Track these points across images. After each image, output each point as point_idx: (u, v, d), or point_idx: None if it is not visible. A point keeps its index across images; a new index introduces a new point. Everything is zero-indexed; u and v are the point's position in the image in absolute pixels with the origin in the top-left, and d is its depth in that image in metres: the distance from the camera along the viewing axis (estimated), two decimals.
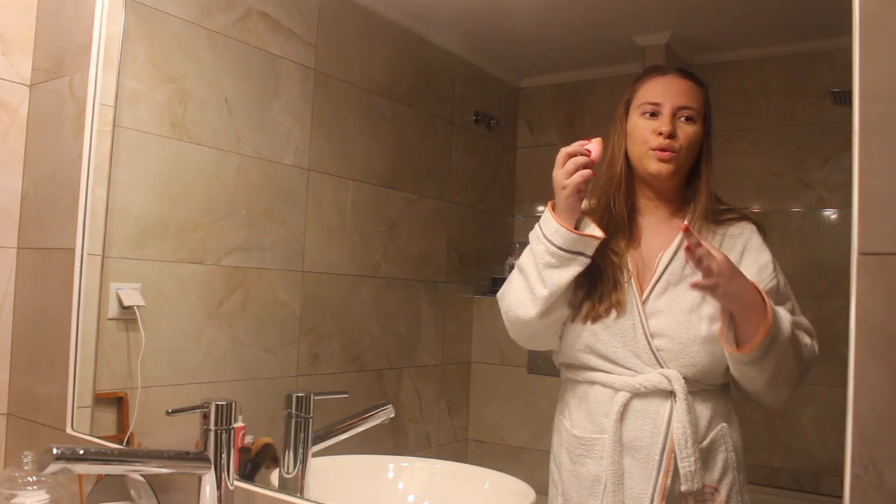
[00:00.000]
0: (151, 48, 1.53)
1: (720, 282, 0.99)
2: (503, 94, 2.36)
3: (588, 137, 1.12)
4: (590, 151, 1.10)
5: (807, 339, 1.10)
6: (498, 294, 1.26)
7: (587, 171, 1.09)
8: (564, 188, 1.10)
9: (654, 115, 1.17)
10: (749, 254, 1.14)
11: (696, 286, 1.02)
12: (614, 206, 1.20)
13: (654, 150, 1.15)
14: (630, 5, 1.85)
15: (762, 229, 1.17)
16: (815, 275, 1.52)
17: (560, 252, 1.11)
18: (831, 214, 1.75)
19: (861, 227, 0.69)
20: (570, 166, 1.09)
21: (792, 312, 1.12)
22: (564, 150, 1.10)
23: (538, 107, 2.32)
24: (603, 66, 2.13)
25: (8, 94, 1.57)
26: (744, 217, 1.18)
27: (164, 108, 1.54)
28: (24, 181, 1.59)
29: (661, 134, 1.14)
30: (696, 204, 1.17)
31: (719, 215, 1.18)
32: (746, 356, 1.03)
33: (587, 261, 1.12)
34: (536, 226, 1.16)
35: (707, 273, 0.99)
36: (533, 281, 1.14)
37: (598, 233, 1.11)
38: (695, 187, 1.18)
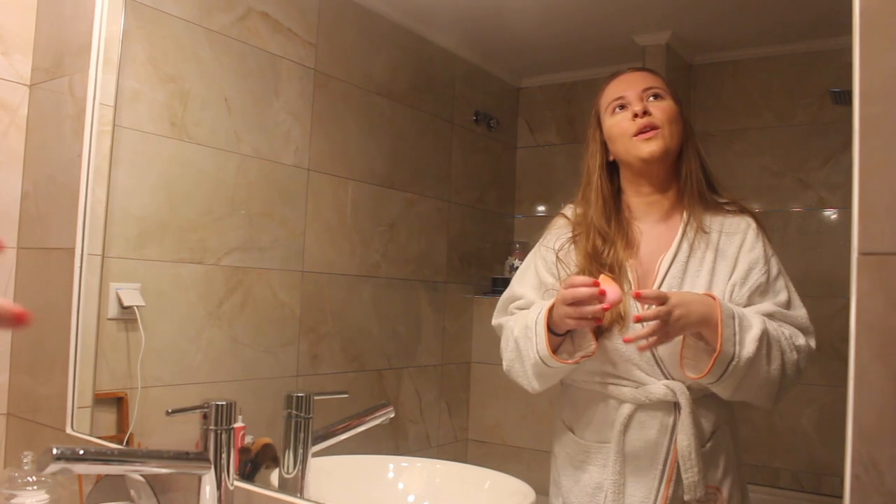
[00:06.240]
0: (151, 48, 1.53)
1: (669, 332, 1.00)
2: (503, 94, 2.35)
3: (597, 279, 1.05)
4: (604, 293, 1.03)
5: (800, 340, 1.08)
6: (494, 321, 1.27)
7: (591, 321, 1.06)
8: (567, 324, 1.08)
9: (623, 107, 1.17)
10: (743, 254, 1.13)
11: (638, 319, 1.02)
12: (606, 217, 1.18)
13: (636, 135, 1.14)
14: (630, 5, 1.85)
15: (759, 222, 1.15)
16: (815, 275, 1.52)
17: (550, 369, 1.13)
18: (831, 214, 1.75)
19: (861, 227, 0.69)
20: (579, 310, 1.04)
21: (788, 306, 1.11)
22: (575, 291, 1.03)
23: (538, 107, 2.31)
24: (603, 66, 2.10)
25: (8, 93, 1.57)
26: (742, 210, 1.17)
27: (164, 108, 1.53)
28: (23, 181, 1.59)
29: (636, 115, 1.14)
30: (690, 192, 1.16)
31: (717, 207, 1.17)
32: (703, 381, 1.04)
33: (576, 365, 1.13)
34: (532, 324, 1.13)
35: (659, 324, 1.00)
36: (528, 370, 1.16)
37: (591, 348, 1.10)
38: (687, 170, 1.16)
